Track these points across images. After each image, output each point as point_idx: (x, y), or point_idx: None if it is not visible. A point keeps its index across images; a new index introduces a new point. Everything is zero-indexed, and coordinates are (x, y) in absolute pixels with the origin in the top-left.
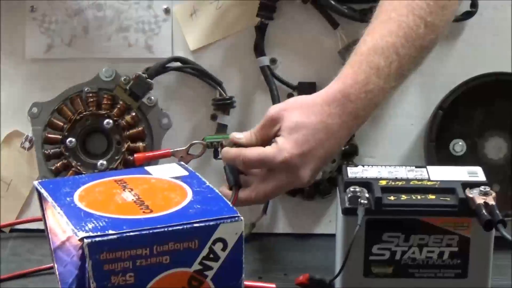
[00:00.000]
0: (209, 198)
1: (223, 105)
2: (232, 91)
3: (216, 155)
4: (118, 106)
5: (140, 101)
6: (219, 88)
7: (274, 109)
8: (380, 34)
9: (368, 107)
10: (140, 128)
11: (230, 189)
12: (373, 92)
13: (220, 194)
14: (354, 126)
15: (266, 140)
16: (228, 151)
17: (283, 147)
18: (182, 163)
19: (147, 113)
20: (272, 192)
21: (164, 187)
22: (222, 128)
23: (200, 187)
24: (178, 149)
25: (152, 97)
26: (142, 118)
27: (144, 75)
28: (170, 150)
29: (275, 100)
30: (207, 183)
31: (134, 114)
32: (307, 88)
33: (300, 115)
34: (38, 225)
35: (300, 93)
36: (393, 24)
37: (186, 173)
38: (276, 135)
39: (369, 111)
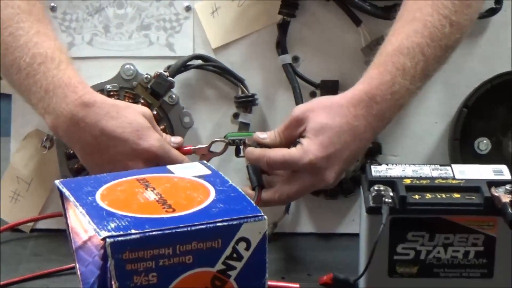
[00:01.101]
0: (232, 197)
1: (245, 102)
2: (254, 89)
3: (237, 153)
4: (141, 101)
5: (161, 99)
6: (241, 85)
7: (299, 110)
8: (406, 34)
9: (393, 108)
10: (161, 127)
11: (253, 189)
12: (399, 93)
13: (243, 193)
14: (380, 127)
15: (290, 140)
16: (252, 152)
17: (308, 149)
18: (205, 161)
19: (168, 112)
20: (295, 193)
21: (186, 186)
22: (244, 126)
23: (223, 186)
24: (200, 146)
25: (174, 96)
26: (163, 116)
27: (165, 73)
28: (192, 148)
29: (298, 98)
30: (230, 182)
31: (155, 112)
32: (330, 86)
33: (325, 116)
34: (59, 225)
35: (322, 91)
36: (418, 23)
37: (209, 172)
38: (301, 136)
39: (395, 112)
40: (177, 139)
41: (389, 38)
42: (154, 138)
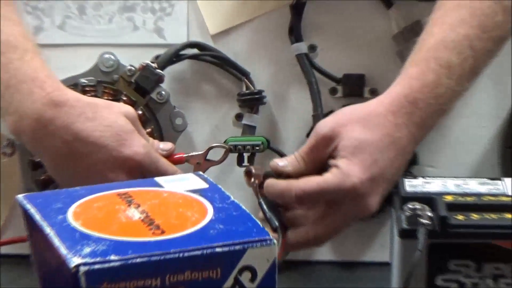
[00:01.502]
0: (234, 217)
1: (251, 101)
2: (262, 85)
3: (240, 161)
4: (124, 98)
5: (148, 96)
6: (245, 80)
7: (326, 126)
8: (450, 24)
9: (436, 115)
10: (148, 130)
11: (274, 230)
12: (443, 97)
13: (247, 211)
14: (421, 137)
15: (317, 165)
16: (275, 185)
17: (349, 171)
18: (201, 173)
19: (156, 112)
20: (335, 230)
21: (178, 203)
22: (249, 130)
23: (223, 203)
24: (194, 153)
25: (163, 92)
26: (150, 117)
27: (153, 64)
28: (184, 155)
29: (315, 96)
30: (232, 198)
31: (140, 112)
32: (355, 81)
33: (362, 129)
34: (23, 250)
35: (345, 87)
36: (465, 10)
37: (206, 185)
38: (331, 156)
39: (438, 118)
40: (167, 145)
41: (430, 29)
42: (139, 144)
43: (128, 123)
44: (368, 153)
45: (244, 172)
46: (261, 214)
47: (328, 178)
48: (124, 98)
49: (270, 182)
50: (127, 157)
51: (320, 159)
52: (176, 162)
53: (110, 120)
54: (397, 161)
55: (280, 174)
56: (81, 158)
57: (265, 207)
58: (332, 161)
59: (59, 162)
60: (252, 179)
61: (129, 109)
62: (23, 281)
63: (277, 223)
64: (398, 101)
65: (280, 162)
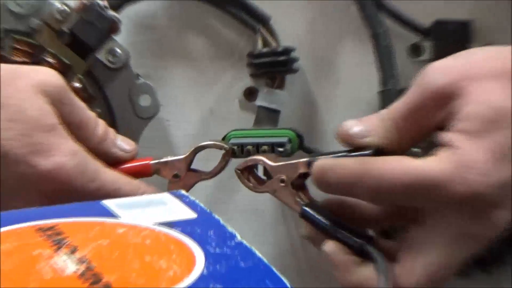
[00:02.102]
0: (241, 271)
1: (271, 66)
2: (292, 40)
3: (251, 186)
4: (49, 61)
5: (91, 57)
6: (262, 30)
7: (443, 75)
8: None
9: None
10: (93, 114)
11: (376, 267)
12: None
13: (264, 260)
14: None
15: (417, 137)
16: (340, 166)
17: (472, 160)
18: (183, 192)
19: (106, 84)
20: (450, 263)
21: (145, 246)
22: (267, 117)
23: (223, 247)
24: (171, 158)
25: (118, 50)
26: (95, 94)
27: (101, 2)
28: (152, 162)
29: (384, 58)
30: (238, 237)
31: (78, 85)
32: (453, 32)
33: (502, 91)
34: None
35: (438, 43)
36: None
37: (194, 214)
38: (443, 126)
39: None
40: (128, 143)
41: None
42: (65, 150)
43: (48, 110)
44: (507, 132)
45: (243, 168)
46: (307, 232)
47: (433, 165)
48: (50, 60)
49: (329, 163)
50: (45, 172)
51: (423, 128)
52: (140, 173)
53: (16, 106)
54: None
55: (351, 147)
56: None
57: (323, 220)
58: (443, 136)
59: None
60: (281, 178)
61: (51, 79)
62: None
63: (375, 251)
64: None
65: (355, 127)
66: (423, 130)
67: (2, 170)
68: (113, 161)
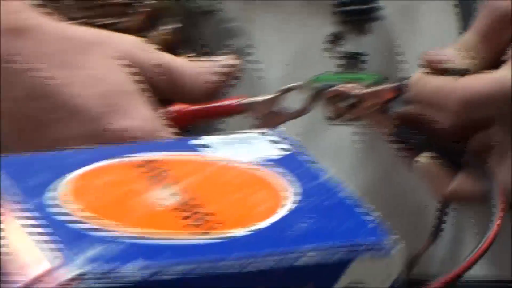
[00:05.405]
0: (332, 205)
1: (357, 13)
2: None
3: (334, 116)
4: (143, 10)
5: (185, 0)
6: None
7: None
8: None
9: None
10: (187, 56)
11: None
12: None
13: (354, 196)
14: None
15: (493, 57)
16: (429, 81)
17: None
18: (277, 130)
19: (201, 26)
20: None
21: (240, 181)
22: (352, 61)
23: (314, 182)
24: (259, 98)
25: None
26: (191, 35)
27: None
28: (243, 101)
29: (464, 8)
30: (328, 173)
31: (175, 26)
32: None
33: None
34: None
35: None
36: None
37: (285, 151)
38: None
39: None
40: (218, 62)
41: None
42: (139, 115)
43: (128, 75)
44: None
45: (331, 97)
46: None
47: (503, 75)
48: (144, 2)
49: (420, 77)
50: (117, 133)
51: (497, 48)
52: (228, 111)
53: (96, 69)
54: None
55: (437, 71)
56: (46, 126)
57: (414, 137)
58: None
59: (14, 127)
60: (369, 104)
61: (134, 48)
62: None
63: (471, 159)
64: None
65: (441, 53)
66: (497, 50)
67: (77, 125)
68: (216, 90)
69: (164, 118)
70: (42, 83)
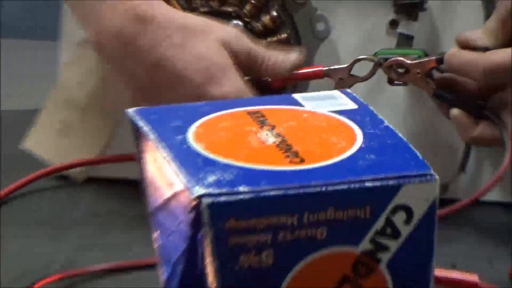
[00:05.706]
0: (388, 146)
1: (409, 5)
2: None
3: (391, 80)
4: (252, 2)
5: None
6: None
7: None
8: None
9: None
10: (283, 36)
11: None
12: None
13: (404, 139)
14: None
15: (509, 38)
16: (460, 55)
17: None
18: (348, 90)
19: (294, 14)
20: None
21: (321, 126)
22: (405, 40)
23: (376, 129)
24: (336, 67)
25: None
26: (286, 20)
27: None
28: (324, 68)
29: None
30: (386, 123)
31: (275, 14)
32: None
33: None
34: (128, 173)
35: None
36: None
37: (355, 106)
38: None
39: None
40: (289, 56)
41: None
42: (232, 84)
43: (225, 55)
44: None
45: (389, 65)
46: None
47: None
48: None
49: (454, 51)
50: (213, 97)
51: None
52: (313, 76)
53: (201, 49)
54: None
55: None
56: (163, 90)
57: (450, 95)
58: None
59: (140, 91)
60: (417, 71)
61: (231, 36)
62: (130, 211)
63: (491, 112)
64: None
65: (471, 34)
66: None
67: (184, 91)
68: (291, 69)
69: (251, 86)
70: (162, 58)
